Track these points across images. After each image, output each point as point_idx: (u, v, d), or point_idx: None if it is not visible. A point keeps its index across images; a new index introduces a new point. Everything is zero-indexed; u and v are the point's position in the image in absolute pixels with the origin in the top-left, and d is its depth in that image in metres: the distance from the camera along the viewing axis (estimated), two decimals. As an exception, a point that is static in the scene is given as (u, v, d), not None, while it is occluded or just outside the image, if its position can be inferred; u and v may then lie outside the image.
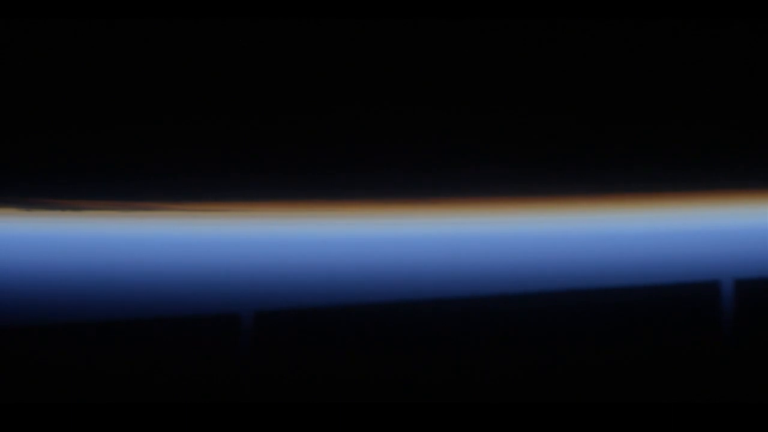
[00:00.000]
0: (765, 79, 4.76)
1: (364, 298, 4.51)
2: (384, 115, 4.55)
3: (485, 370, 4.54)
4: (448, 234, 4.59)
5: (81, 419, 4.23)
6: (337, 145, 4.53)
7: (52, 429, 4.20)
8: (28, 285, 4.29)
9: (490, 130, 4.62)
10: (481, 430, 4.42)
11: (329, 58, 4.52)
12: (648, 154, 4.71)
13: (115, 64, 4.39)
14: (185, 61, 4.43)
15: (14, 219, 4.32)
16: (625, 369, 4.60)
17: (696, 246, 4.72)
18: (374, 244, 4.54)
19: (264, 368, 4.42)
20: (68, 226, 4.34)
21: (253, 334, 4.42)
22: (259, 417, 4.35)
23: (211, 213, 4.47)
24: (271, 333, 4.45)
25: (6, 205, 4.32)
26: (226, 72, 4.46)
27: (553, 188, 4.67)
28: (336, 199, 4.54)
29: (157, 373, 4.33)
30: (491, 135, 4.62)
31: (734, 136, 4.76)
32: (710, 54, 4.72)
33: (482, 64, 4.60)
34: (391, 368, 4.48)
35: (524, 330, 4.59)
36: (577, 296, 4.62)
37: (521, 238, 4.63)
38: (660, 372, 4.61)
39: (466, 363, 4.53)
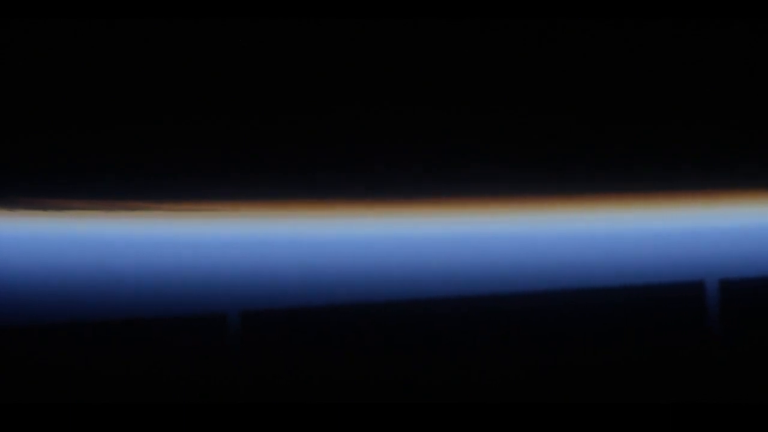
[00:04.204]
0: (765, 79, 4.76)
1: (362, 298, 4.51)
2: (384, 115, 4.55)
3: (482, 370, 4.54)
4: (448, 234, 4.59)
5: (65, 419, 4.23)
6: (337, 145, 4.53)
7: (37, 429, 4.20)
8: (14, 285, 4.30)
9: (490, 130, 4.62)
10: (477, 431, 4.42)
11: (329, 58, 4.52)
12: (647, 154, 4.71)
13: (115, 64, 4.39)
14: (185, 61, 4.43)
15: (6, 219, 4.32)
16: (607, 369, 4.61)
17: (681, 246, 4.73)
18: (374, 244, 4.55)
19: (252, 368, 4.42)
20: (53, 225, 4.34)
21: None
22: (244, 417, 4.35)
23: (211, 213, 4.47)
24: (263, 332, 4.45)
25: (2, 206, 4.32)
26: (226, 72, 4.46)
27: (552, 188, 4.67)
28: (335, 199, 4.54)
29: (144, 373, 4.33)
30: (491, 135, 4.62)
31: (734, 136, 4.76)
32: (710, 54, 4.72)
33: (482, 64, 4.60)
34: (389, 368, 4.48)
35: (520, 330, 4.59)
36: (569, 296, 4.62)
37: (515, 238, 4.64)
38: (645, 372, 4.62)
39: (463, 363, 4.54)
